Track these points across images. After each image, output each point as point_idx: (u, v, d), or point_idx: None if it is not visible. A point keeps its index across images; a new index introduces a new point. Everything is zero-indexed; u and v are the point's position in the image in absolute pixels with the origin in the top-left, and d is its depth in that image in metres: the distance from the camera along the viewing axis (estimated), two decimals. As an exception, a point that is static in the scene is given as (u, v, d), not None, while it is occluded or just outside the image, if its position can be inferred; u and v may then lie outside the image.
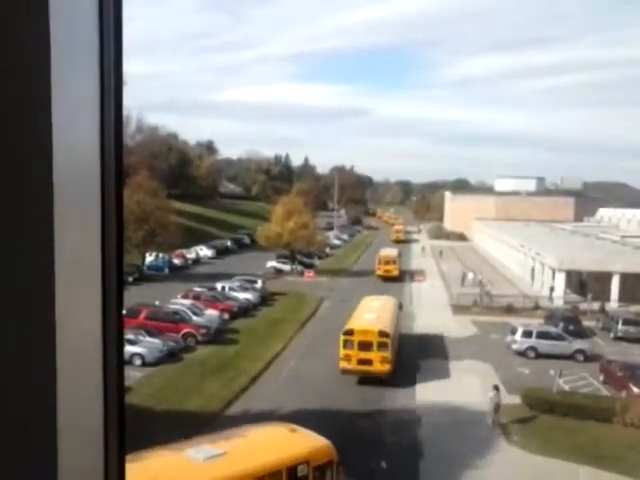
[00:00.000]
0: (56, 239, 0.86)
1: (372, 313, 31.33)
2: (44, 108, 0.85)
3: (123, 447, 1.08)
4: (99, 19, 0.99)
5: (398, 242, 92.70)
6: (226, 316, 40.06)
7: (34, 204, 0.85)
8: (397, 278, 57.47)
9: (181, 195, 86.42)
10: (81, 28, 0.96)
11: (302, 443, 15.68)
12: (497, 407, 24.25)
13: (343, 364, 28.21)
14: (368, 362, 27.68)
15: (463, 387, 28.31)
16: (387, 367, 27.87)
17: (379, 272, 58.41)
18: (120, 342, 1.06)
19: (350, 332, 28.47)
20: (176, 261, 61.51)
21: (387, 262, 59.19)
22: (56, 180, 0.86)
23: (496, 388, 24.94)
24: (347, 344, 28.13)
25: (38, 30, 0.84)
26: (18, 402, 0.87)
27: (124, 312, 1.14)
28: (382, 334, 28.02)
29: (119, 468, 1.07)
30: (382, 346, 27.75)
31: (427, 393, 27.38)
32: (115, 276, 1.03)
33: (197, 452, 14.15)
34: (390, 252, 63.50)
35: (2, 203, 0.85)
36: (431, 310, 44.92)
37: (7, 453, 0.87)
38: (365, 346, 27.70)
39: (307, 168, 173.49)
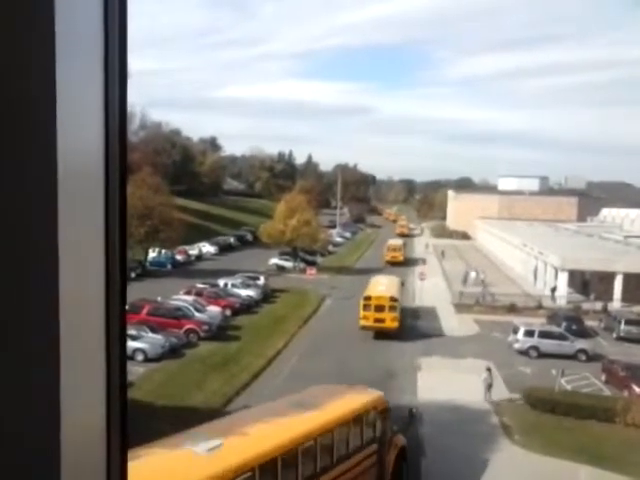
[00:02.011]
0: (60, 235, 0.86)
1: (383, 285, 39.34)
2: (48, 105, 0.84)
3: (126, 442, 1.08)
4: (104, 16, 0.99)
5: (402, 236, 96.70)
6: (228, 312, 40.13)
7: (38, 201, 0.85)
8: (402, 263, 67.98)
9: (184, 191, 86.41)
10: (86, 25, 0.95)
11: (367, 395, 18.43)
12: (489, 387, 26.84)
13: (363, 322, 35.76)
14: (382, 320, 35.42)
15: (465, 385, 28.26)
16: (396, 324, 35.55)
17: (387, 258, 69.44)
18: (123, 338, 1.06)
19: (368, 298, 36.11)
20: (179, 257, 61.53)
21: (394, 250, 70.76)
22: (60, 177, 0.86)
23: (488, 370, 27.51)
24: (366, 307, 35.76)
25: (43, 27, 0.84)
26: (20, 398, 0.87)
27: (126, 308, 1.15)
28: (392, 299, 35.88)
29: (121, 463, 1.08)
30: (392, 308, 35.55)
31: (430, 392, 27.33)
32: (118, 272, 1.03)
33: (292, 406, 16.33)
34: (397, 241, 76.68)
35: (6, 200, 0.85)
36: (434, 308, 44.88)
37: (9, 449, 0.87)
38: (379, 308, 35.47)
39: (310, 165, 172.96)
